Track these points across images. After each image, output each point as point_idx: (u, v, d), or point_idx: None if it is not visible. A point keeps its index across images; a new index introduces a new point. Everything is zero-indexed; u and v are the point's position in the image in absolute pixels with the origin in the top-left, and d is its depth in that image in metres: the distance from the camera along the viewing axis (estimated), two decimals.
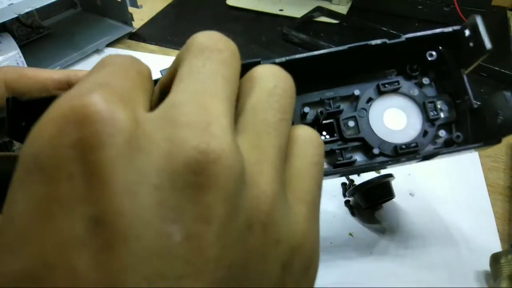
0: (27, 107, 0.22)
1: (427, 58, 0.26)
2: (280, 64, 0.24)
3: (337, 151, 0.26)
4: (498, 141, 0.23)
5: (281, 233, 0.13)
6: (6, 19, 0.51)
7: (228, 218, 0.11)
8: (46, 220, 0.11)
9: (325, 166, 0.27)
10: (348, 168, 0.26)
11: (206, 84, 0.13)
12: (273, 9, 0.78)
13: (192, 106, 0.12)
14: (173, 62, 0.15)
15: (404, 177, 0.45)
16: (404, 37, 0.25)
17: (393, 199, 0.42)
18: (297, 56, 0.24)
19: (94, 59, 0.64)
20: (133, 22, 0.70)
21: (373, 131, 0.26)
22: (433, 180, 0.45)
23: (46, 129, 0.11)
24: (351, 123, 0.26)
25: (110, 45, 0.68)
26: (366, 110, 0.27)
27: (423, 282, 0.36)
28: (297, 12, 0.75)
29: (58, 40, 0.68)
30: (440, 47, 0.26)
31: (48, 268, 0.10)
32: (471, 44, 0.23)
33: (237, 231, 0.12)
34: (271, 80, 0.15)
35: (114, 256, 0.10)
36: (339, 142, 0.27)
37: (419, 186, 0.45)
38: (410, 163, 0.25)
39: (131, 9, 0.68)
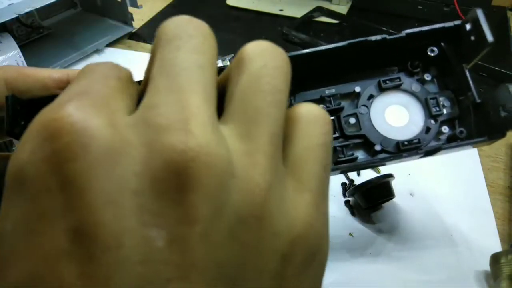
0: (27, 106, 0.22)
1: (428, 54, 0.26)
2: None
3: (338, 148, 0.26)
4: (503, 135, 0.22)
5: (279, 225, 0.12)
6: (6, 19, 0.51)
7: (214, 216, 0.11)
8: (31, 235, 0.11)
9: None
10: (350, 165, 0.26)
11: (180, 78, 0.13)
12: (273, 9, 0.78)
13: (167, 105, 0.12)
14: (149, 58, 0.15)
15: (404, 177, 0.45)
16: (404, 32, 0.24)
17: (393, 199, 0.42)
18: (297, 52, 0.24)
19: (94, 59, 0.64)
20: (133, 22, 0.70)
21: (375, 128, 0.26)
22: (433, 180, 0.45)
23: (25, 145, 0.11)
24: (352, 120, 0.26)
25: (110, 45, 0.68)
26: (368, 107, 0.26)
27: (423, 282, 0.36)
28: (297, 12, 0.75)
29: (58, 40, 0.68)
30: (442, 43, 0.26)
31: (38, 281, 0.10)
32: (472, 38, 0.23)
33: (226, 228, 0.11)
34: (259, 59, 0.14)
35: (97, 266, 0.10)
36: (340, 140, 0.26)
37: (419, 186, 0.44)
38: (412, 159, 0.25)
39: (131, 9, 0.68)
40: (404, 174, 0.45)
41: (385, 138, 0.26)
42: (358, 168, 0.28)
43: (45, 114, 0.12)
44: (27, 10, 0.52)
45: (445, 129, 0.26)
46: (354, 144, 0.26)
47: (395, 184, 0.41)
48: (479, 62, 0.52)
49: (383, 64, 0.27)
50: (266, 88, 0.13)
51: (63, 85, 0.27)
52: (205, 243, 0.11)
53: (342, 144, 0.26)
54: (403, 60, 0.26)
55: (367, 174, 0.46)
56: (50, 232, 0.11)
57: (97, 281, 0.10)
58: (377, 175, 0.46)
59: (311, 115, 0.15)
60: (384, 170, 0.46)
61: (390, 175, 0.40)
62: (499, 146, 0.49)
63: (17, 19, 0.62)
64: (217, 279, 0.11)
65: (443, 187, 0.45)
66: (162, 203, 0.11)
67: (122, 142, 0.11)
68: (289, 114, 0.15)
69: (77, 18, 0.74)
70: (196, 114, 0.12)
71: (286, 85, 0.14)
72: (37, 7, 0.54)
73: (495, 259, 0.35)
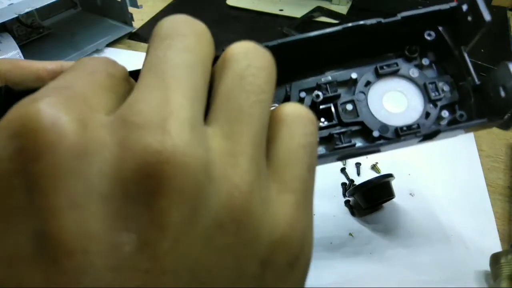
0: (20, 97, 0.22)
1: (425, 39, 0.25)
2: (273, 48, 0.23)
3: (335, 136, 0.26)
4: (503, 115, 0.22)
5: (260, 229, 0.12)
6: (6, 19, 0.51)
7: (187, 221, 0.11)
8: None
9: (324, 151, 0.26)
10: (347, 151, 0.25)
11: (166, 75, 0.12)
12: (273, 9, 0.78)
13: (147, 102, 0.11)
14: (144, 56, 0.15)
15: (404, 177, 0.45)
16: (399, 15, 0.24)
17: (393, 199, 0.42)
18: (291, 38, 0.23)
19: None
20: (133, 22, 0.70)
21: (373, 115, 0.26)
22: (433, 180, 0.45)
23: None
24: (350, 107, 0.26)
25: (110, 45, 0.68)
26: (365, 94, 0.26)
27: (423, 282, 0.36)
28: (297, 12, 0.75)
29: (58, 40, 0.68)
30: (439, 26, 0.25)
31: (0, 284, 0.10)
32: (469, 18, 0.23)
33: (201, 233, 0.11)
34: (243, 59, 0.14)
35: (62, 272, 0.10)
36: (338, 127, 0.26)
37: (419, 186, 0.44)
38: (411, 143, 0.24)
39: (131, 9, 0.68)
40: (404, 174, 0.45)
41: (383, 124, 0.25)
42: (356, 154, 0.28)
43: (16, 109, 0.11)
44: (27, 10, 0.52)
45: (445, 113, 0.25)
46: (352, 131, 0.26)
47: (395, 184, 0.41)
48: (479, 63, 0.52)
49: (380, 50, 0.26)
50: (249, 88, 0.13)
51: (57, 76, 0.27)
52: (177, 249, 0.11)
53: (340, 131, 0.26)
54: (400, 45, 0.26)
55: (367, 174, 0.46)
56: (14, 234, 0.10)
57: (62, 287, 0.10)
58: (377, 175, 0.46)
59: (295, 115, 0.15)
60: (384, 170, 0.46)
61: (390, 175, 0.40)
62: (499, 146, 0.49)
63: (17, 19, 0.62)
64: (189, 286, 0.11)
65: (443, 187, 0.45)
66: (133, 207, 0.10)
67: (92, 141, 0.11)
68: (273, 114, 0.15)
69: (77, 18, 0.74)
70: (177, 112, 0.11)
71: (270, 86, 0.14)
72: (37, 7, 0.54)
73: (495, 259, 0.35)
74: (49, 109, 0.11)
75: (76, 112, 0.11)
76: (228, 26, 0.74)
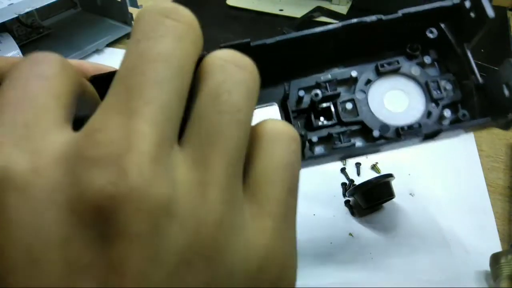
0: None
1: (427, 36, 0.25)
2: (271, 45, 0.23)
3: (335, 135, 0.25)
4: (506, 114, 0.21)
5: (233, 260, 0.11)
6: (6, 19, 0.51)
7: (148, 264, 0.10)
8: None
9: (323, 151, 0.25)
10: (346, 151, 0.25)
11: (132, 95, 0.11)
12: (273, 9, 0.78)
13: (106, 132, 0.11)
14: None
15: (404, 177, 0.45)
16: (400, 12, 0.23)
17: (393, 199, 0.42)
18: (290, 36, 0.23)
19: (94, 59, 0.64)
20: (133, 22, 0.70)
21: (373, 114, 0.25)
22: (433, 180, 0.45)
23: None
24: (349, 106, 0.25)
25: (110, 45, 0.68)
26: (365, 92, 0.25)
27: (423, 282, 0.36)
28: (297, 12, 0.75)
29: (58, 40, 0.68)
30: (441, 24, 0.24)
31: None
32: (472, 14, 0.22)
33: (166, 274, 0.10)
34: (219, 73, 0.12)
35: None
36: (337, 127, 0.25)
37: (419, 186, 0.44)
38: (412, 143, 0.24)
39: (131, 9, 0.69)
40: (404, 174, 0.45)
41: (384, 124, 0.25)
42: (355, 154, 0.27)
43: None
44: (27, 10, 0.52)
45: (447, 113, 0.24)
46: (352, 131, 0.25)
47: (395, 184, 0.41)
48: (480, 62, 0.52)
49: (381, 48, 0.26)
50: (223, 108, 0.12)
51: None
52: None
53: (339, 131, 0.25)
54: (401, 43, 0.25)
55: (367, 174, 0.46)
56: None
57: None
58: (377, 175, 0.46)
59: (275, 132, 0.13)
60: (384, 170, 0.46)
61: (390, 175, 0.40)
62: (499, 146, 0.49)
63: (17, 19, 0.62)
64: None
65: (443, 187, 0.45)
66: (92, 252, 0.10)
67: (46, 187, 0.10)
68: (253, 131, 0.14)
69: (77, 18, 0.74)
70: (137, 145, 0.10)
71: (248, 102, 0.13)
72: (37, 7, 0.54)
73: (495, 259, 0.35)
74: None
75: (28, 151, 0.11)
76: (228, 26, 0.74)
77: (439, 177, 0.46)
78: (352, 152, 0.26)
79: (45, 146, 0.11)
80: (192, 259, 0.11)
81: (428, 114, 0.25)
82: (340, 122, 0.25)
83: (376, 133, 0.25)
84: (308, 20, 0.74)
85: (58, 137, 0.11)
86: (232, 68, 0.13)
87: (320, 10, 0.75)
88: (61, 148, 0.11)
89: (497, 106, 0.22)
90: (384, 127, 0.25)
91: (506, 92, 0.21)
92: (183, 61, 0.12)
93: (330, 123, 0.25)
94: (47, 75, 0.12)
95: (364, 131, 0.25)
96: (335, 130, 0.25)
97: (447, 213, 0.42)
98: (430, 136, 0.22)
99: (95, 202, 0.10)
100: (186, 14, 0.13)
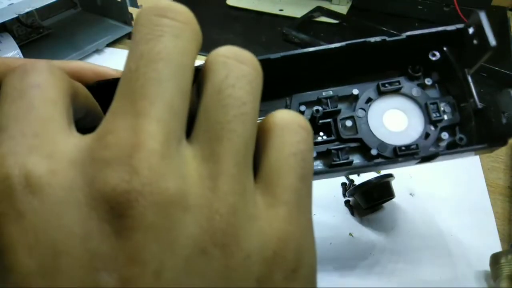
0: None
1: (430, 59, 0.25)
2: (275, 61, 0.23)
3: (333, 151, 0.25)
4: (504, 143, 0.22)
5: (250, 247, 0.12)
6: (6, 19, 0.51)
7: (166, 253, 0.11)
8: None
9: (321, 167, 0.26)
10: (344, 168, 0.25)
11: (137, 96, 0.12)
12: (273, 9, 0.78)
13: (116, 134, 0.11)
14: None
15: (404, 177, 0.45)
16: (404, 34, 0.24)
17: (393, 199, 0.42)
18: (293, 52, 0.23)
19: (94, 59, 0.64)
20: (133, 22, 0.70)
21: (372, 132, 0.25)
22: (433, 180, 0.45)
23: None
24: (349, 123, 0.26)
25: (110, 45, 0.68)
26: (365, 110, 0.26)
27: (423, 282, 0.36)
28: (297, 12, 0.75)
29: (58, 40, 0.68)
30: (444, 47, 0.25)
31: None
32: (475, 41, 0.22)
33: (182, 263, 0.11)
34: (222, 69, 0.13)
35: None
36: (336, 143, 0.26)
37: (419, 186, 0.44)
38: (409, 164, 0.24)
39: (131, 9, 0.68)
40: (404, 174, 0.45)
41: (382, 142, 0.25)
42: (352, 172, 0.28)
43: None
44: (27, 10, 0.52)
45: (444, 135, 0.25)
46: (350, 147, 0.26)
47: (395, 184, 0.41)
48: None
49: (383, 67, 0.26)
50: (228, 102, 0.12)
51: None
52: (159, 281, 0.11)
53: (338, 147, 0.26)
54: (403, 64, 0.26)
55: (367, 174, 0.46)
56: None
57: None
58: (377, 175, 0.46)
59: (284, 122, 0.14)
60: (384, 170, 0.46)
61: (390, 175, 0.40)
62: None
63: (17, 19, 0.62)
64: None
65: (443, 187, 0.45)
66: (111, 245, 0.11)
67: (65, 186, 0.11)
68: (262, 124, 0.14)
69: (77, 18, 0.74)
70: (146, 143, 0.11)
71: (253, 95, 0.13)
72: (37, 7, 0.54)
73: (495, 259, 0.35)
74: (16, 168, 0.11)
75: (43, 157, 0.11)
76: (228, 26, 0.74)
77: (439, 177, 0.46)
78: (349, 171, 0.26)
79: (58, 151, 0.12)
80: (207, 247, 0.11)
81: (426, 135, 0.25)
82: (339, 139, 0.26)
83: (374, 152, 0.25)
84: (308, 20, 0.74)
85: (68, 142, 0.12)
86: (234, 63, 0.13)
87: (320, 10, 0.75)
88: (74, 151, 0.12)
89: (495, 133, 0.22)
90: (382, 145, 0.25)
91: (504, 120, 0.21)
92: (183, 58, 0.12)
93: (329, 139, 0.26)
94: (39, 83, 0.13)
95: (362, 148, 0.26)
96: (333, 146, 0.26)
97: (447, 213, 0.42)
98: (427, 159, 0.23)
99: (111, 198, 0.11)
100: (182, 11, 0.13)
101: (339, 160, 0.25)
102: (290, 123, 0.14)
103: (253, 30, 0.74)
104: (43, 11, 0.69)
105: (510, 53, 0.62)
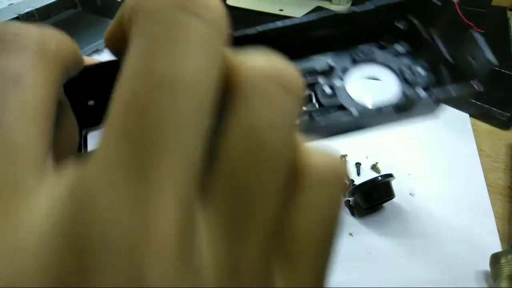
0: None
1: (398, 27, 0.27)
2: (253, 36, 0.24)
3: (316, 115, 0.27)
4: (470, 83, 0.22)
5: None
6: (6, 19, 0.51)
7: None
8: None
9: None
10: (330, 127, 0.27)
11: (143, 144, 0.08)
12: (273, 9, 0.78)
13: (110, 207, 0.07)
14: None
15: (404, 177, 0.45)
16: (372, 5, 0.25)
17: (393, 199, 0.42)
18: (270, 26, 0.24)
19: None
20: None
21: (351, 97, 0.27)
22: (433, 180, 0.45)
23: None
24: (328, 91, 0.27)
25: None
26: (342, 79, 0.27)
27: (423, 282, 0.36)
28: (297, 12, 0.75)
29: None
30: (410, 14, 0.26)
31: None
32: (437, 2, 0.24)
33: None
34: (256, 98, 0.09)
35: None
36: (318, 109, 0.28)
37: (419, 186, 0.44)
38: (390, 119, 0.26)
39: None
40: (404, 174, 0.45)
41: (362, 106, 0.27)
42: (339, 131, 0.29)
43: None
44: (27, 10, 0.52)
45: (422, 93, 0.26)
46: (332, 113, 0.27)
47: (395, 184, 0.41)
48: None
49: (356, 39, 0.28)
50: (263, 158, 0.09)
51: None
52: None
53: (320, 113, 0.27)
54: (375, 35, 0.27)
55: (367, 174, 0.46)
56: None
57: None
58: (377, 175, 0.46)
59: (321, 172, 0.10)
60: (384, 170, 0.46)
61: (390, 175, 0.40)
62: (499, 146, 0.49)
63: (17, 19, 0.62)
64: None
65: (443, 187, 0.45)
66: None
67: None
68: (295, 162, 0.10)
69: (77, 18, 0.74)
70: (159, 228, 0.07)
71: (292, 143, 0.09)
72: (37, 7, 0.54)
73: (495, 259, 0.35)
74: None
75: None
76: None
77: (439, 177, 0.46)
78: (335, 128, 0.27)
79: (21, 225, 0.08)
80: None
81: (404, 95, 0.27)
82: (321, 106, 0.27)
83: (355, 112, 0.26)
84: None
85: (38, 194, 0.08)
86: (275, 90, 0.09)
87: (320, 10, 0.75)
88: (44, 216, 0.08)
89: (469, 77, 0.23)
90: (363, 108, 0.26)
91: (472, 62, 0.22)
92: (208, 79, 0.08)
93: (312, 109, 0.27)
94: (20, 74, 0.09)
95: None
96: (316, 113, 0.27)
97: (447, 213, 0.42)
98: (404, 107, 0.23)
99: None
100: (213, 4, 0.09)
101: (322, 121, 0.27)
102: (329, 171, 0.10)
103: None
104: (43, 11, 0.69)
105: (510, 53, 0.62)
